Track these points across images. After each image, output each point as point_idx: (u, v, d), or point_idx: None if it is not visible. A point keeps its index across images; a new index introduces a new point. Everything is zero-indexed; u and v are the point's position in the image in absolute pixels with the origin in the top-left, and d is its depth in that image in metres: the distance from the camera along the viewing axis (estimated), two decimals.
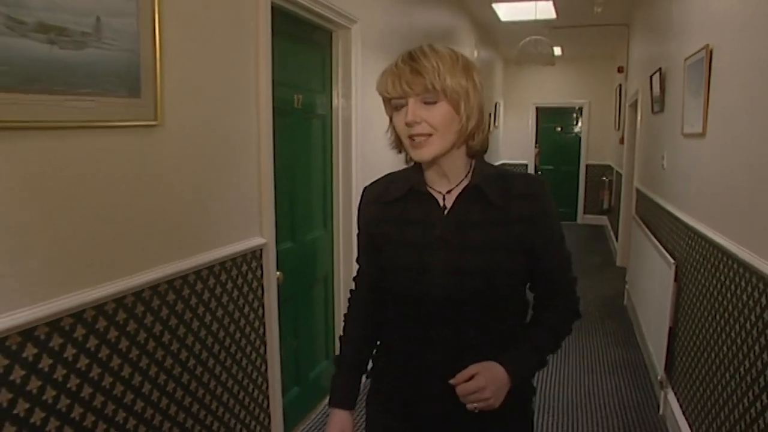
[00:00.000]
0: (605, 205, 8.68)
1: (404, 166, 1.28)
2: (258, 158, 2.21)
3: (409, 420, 1.27)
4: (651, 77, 4.21)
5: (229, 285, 2.07)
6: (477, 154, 1.22)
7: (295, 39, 2.66)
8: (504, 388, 1.15)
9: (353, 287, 1.40)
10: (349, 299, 1.41)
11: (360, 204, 1.32)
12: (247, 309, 2.19)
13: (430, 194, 1.22)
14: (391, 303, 1.27)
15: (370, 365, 1.37)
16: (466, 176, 1.21)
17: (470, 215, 1.20)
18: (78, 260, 1.46)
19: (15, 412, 1.31)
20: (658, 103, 3.97)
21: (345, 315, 1.40)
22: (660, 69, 3.88)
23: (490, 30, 7.49)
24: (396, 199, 1.25)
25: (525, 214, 1.19)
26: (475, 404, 1.12)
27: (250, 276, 2.20)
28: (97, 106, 1.48)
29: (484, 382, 1.11)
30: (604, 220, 9.25)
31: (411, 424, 1.27)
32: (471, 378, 1.12)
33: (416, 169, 1.24)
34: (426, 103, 1.12)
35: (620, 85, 7.56)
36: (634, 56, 6.18)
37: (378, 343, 1.36)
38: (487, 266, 1.17)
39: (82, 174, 1.46)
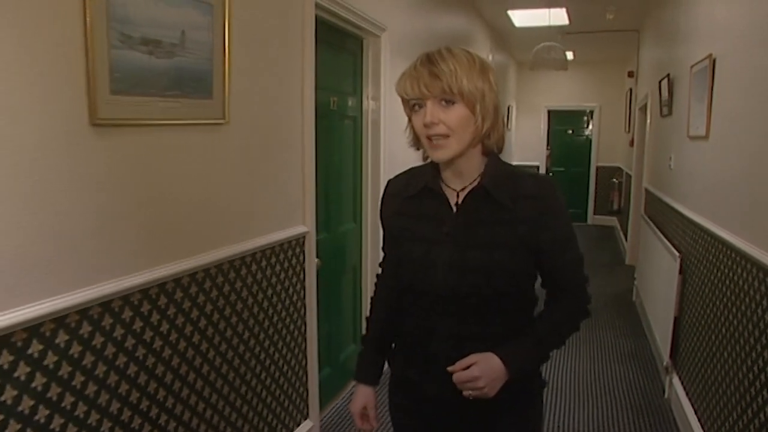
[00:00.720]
0: (615, 206, 8.86)
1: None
2: (302, 154, 2.46)
3: (418, 401, 1.35)
4: (660, 82, 4.43)
5: (277, 268, 2.32)
6: (491, 152, 1.27)
7: (330, 46, 2.91)
8: (499, 380, 1.19)
9: (379, 272, 1.49)
10: (376, 283, 1.49)
11: (383, 195, 1.39)
12: (291, 290, 2.44)
13: (443, 192, 1.27)
14: (404, 292, 1.35)
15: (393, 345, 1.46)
16: (479, 175, 1.26)
17: (478, 214, 1.24)
18: (159, 239, 1.71)
19: (117, 363, 1.57)
20: (667, 107, 4.19)
21: (371, 298, 1.50)
22: (668, 75, 4.10)
23: (504, 35, 7.72)
24: (413, 194, 1.31)
25: (532, 214, 1.22)
26: (470, 392, 1.18)
27: (294, 261, 2.44)
28: (180, 107, 1.73)
29: (478, 372, 1.16)
30: (613, 221, 9.44)
31: (419, 405, 1.36)
32: (468, 367, 1.18)
33: (434, 167, 1.30)
34: (443, 104, 1.16)
35: (630, 89, 7.76)
36: (644, 61, 6.38)
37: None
38: (487, 264, 1.21)
39: (165, 165, 1.71)
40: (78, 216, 1.44)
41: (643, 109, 5.95)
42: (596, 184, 9.98)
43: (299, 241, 2.47)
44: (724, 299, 2.44)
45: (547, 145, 10.23)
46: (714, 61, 2.75)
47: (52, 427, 1.40)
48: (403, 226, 1.32)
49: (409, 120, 1.24)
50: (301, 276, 2.52)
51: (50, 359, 1.38)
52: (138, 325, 1.65)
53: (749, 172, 2.22)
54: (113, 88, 1.48)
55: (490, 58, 7.10)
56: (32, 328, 1.33)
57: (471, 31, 6.00)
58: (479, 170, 1.26)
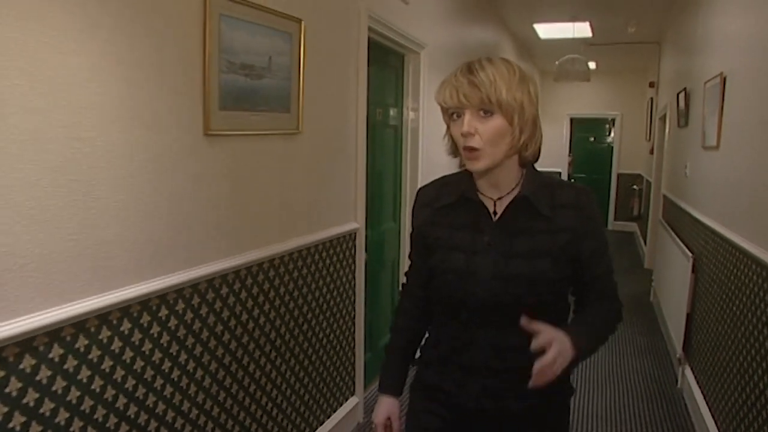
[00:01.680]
0: (635, 212, 9.08)
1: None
2: (355, 159, 2.81)
3: (449, 410, 1.34)
4: (678, 95, 4.70)
5: (334, 259, 2.66)
6: (528, 164, 1.27)
7: (376, 63, 3.25)
8: (567, 360, 1.13)
9: (404, 281, 1.48)
10: (401, 292, 1.49)
11: (414, 205, 1.39)
12: (344, 279, 2.78)
13: (481, 202, 1.27)
14: (439, 302, 1.33)
15: (417, 355, 1.45)
16: (516, 185, 1.26)
17: (518, 223, 1.24)
18: (248, 228, 2.07)
19: (187, 343, 1.92)
20: (683, 118, 4.47)
21: (396, 307, 1.49)
22: (685, 88, 4.38)
23: (529, 46, 8.03)
24: (448, 204, 1.30)
25: (571, 224, 1.23)
26: (541, 378, 1.10)
27: (347, 253, 2.79)
28: (266, 119, 2.08)
29: (556, 352, 1.10)
30: (633, 226, 9.65)
31: (450, 413, 1.34)
32: (545, 350, 1.10)
33: (468, 175, 1.29)
34: (482, 115, 1.17)
35: (651, 99, 8.00)
36: (665, 72, 6.63)
37: (426, 335, 1.43)
38: (531, 273, 1.21)
39: (254, 167, 2.07)
40: (192, 206, 1.79)
41: (663, 119, 6.21)
42: (617, 190, 10.20)
43: (352, 236, 2.82)
44: (732, 296, 2.72)
45: (570, 152, 10.49)
46: (725, 79, 3.04)
47: (182, 362, 1.75)
48: (438, 236, 1.30)
49: (448, 128, 1.25)
50: (353, 267, 2.86)
51: (172, 322, 1.74)
52: (231, 300, 2.00)
53: (753, 179, 2.51)
54: (221, 105, 1.84)
55: None
56: (158, 297, 1.68)
57: (498, 42, 6.32)
58: (516, 180, 1.26)
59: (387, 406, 1.41)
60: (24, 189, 1.29)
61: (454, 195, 1.29)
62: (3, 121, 1.23)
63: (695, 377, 3.37)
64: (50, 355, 1.37)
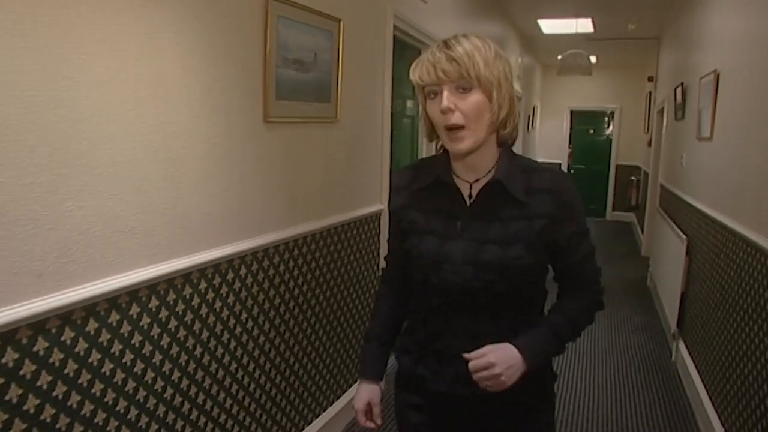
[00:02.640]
0: (633, 202, 9.37)
1: None
2: (381, 145, 3.08)
3: (427, 399, 1.34)
4: (675, 89, 4.98)
5: (363, 236, 2.94)
6: (505, 144, 1.24)
7: (396, 56, 3.51)
8: (516, 369, 1.15)
9: (384, 265, 1.47)
10: (381, 276, 1.48)
11: (390, 189, 1.37)
12: (370, 257, 3.06)
13: (456, 185, 1.24)
14: (414, 288, 1.32)
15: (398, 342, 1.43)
16: (492, 168, 1.23)
17: (492, 208, 1.21)
18: (295, 205, 2.34)
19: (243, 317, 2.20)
20: (680, 112, 4.74)
21: (376, 292, 1.50)
22: (682, 83, 4.66)
23: (532, 41, 8.27)
24: (423, 187, 1.27)
25: (548, 209, 1.20)
26: (486, 382, 1.15)
27: (373, 232, 3.06)
28: (312, 109, 2.35)
29: (494, 359, 1.13)
30: (631, 217, 9.95)
31: (429, 403, 1.34)
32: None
33: (445, 158, 1.26)
34: (460, 91, 1.14)
35: (650, 93, 8.26)
36: (663, 67, 6.90)
37: (405, 322, 1.41)
38: (504, 260, 1.19)
39: (301, 150, 2.34)
40: (254, 183, 2.06)
41: (661, 112, 6.48)
42: (615, 181, 10.49)
43: (377, 216, 3.09)
44: (722, 273, 3.00)
45: (569, 143, 10.77)
46: (718, 75, 3.31)
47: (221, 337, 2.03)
48: (412, 219, 1.29)
49: (424, 109, 1.21)
50: (377, 245, 3.13)
51: (223, 290, 2.02)
52: (281, 268, 2.28)
53: (741, 166, 2.78)
54: (277, 96, 2.10)
55: (519, 60, 7.67)
56: (214, 265, 1.96)
57: (504, 36, 6.57)
58: (493, 162, 1.23)
59: (367, 393, 1.39)
60: (133, 165, 1.55)
61: (429, 178, 1.27)
62: (117, 108, 1.50)
63: (688, 350, 3.67)
64: (149, 305, 1.65)
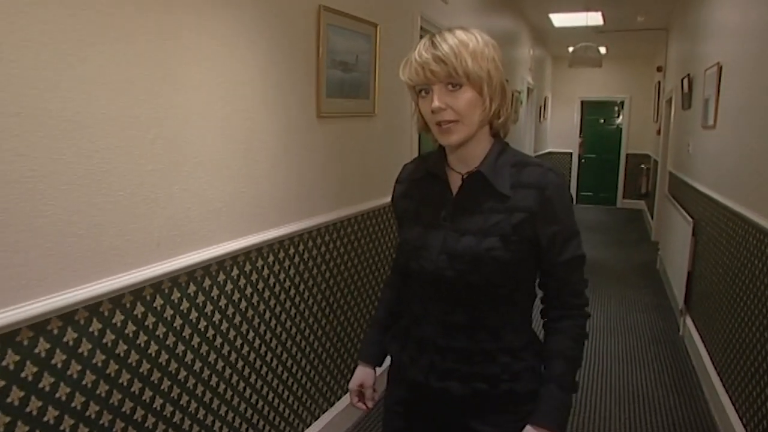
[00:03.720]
0: (643, 190, 9.58)
1: None
2: (411, 138, 3.38)
3: (407, 387, 1.36)
4: (682, 80, 5.22)
5: (391, 221, 3.23)
6: (497, 137, 1.25)
7: None
8: None
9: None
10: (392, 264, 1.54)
11: (395, 181, 1.40)
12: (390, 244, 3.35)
13: (444, 177, 1.27)
14: (403, 275, 1.36)
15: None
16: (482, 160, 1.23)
17: (476, 200, 1.22)
18: (342, 190, 2.64)
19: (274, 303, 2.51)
20: (687, 101, 4.99)
21: (385, 279, 1.58)
22: (688, 74, 4.90)
23: (543, 33, 8.51)
24: (419, 178, 1.32)
25: (529, 204, 1.18)
26: None
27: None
28: (354, 104, 2.65)
29: None
30: (642, 204, 10.18)
31: (408, 392, 1.36)
32: None
33: (441, 150, 1.28)
34: (450, 88, 1.14)
35: (659, 82, 8.48)
36: (672, 57, 7.11)
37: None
38: (477, 251, 1.19)
39: (346, 141, 2.64)
40: (309, 170, 2.37)
41: (669, 101, 6.71)
42: (626, 170, 10.73)
43: None
44: (725, 251, 3.26)
45: (580, 133, 11.00)
46: (721, 68, 3.57)
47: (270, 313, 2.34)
48: (406, 208, 1.33)
49: (416, 106, 1.22)
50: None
51: (295, 260, 2.32)
52: (328, 248, 2.58)
53: (742, 152, 3.05)
54: (327, 94, 2.40)
55: (531, 52, 7.92)
56: (289, 239, 2.26)
57: (516, 30, 6.83)
58: (484, 155, 1.23)
59: (361, 374, 1.43)
60: (221, 155, 1.86)
61: (424, 170, 1.31)
62: (209, 107, 1.80)
63: (695, 325, 3.94)
64: (232, 273, 1.96)
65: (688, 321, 4.10)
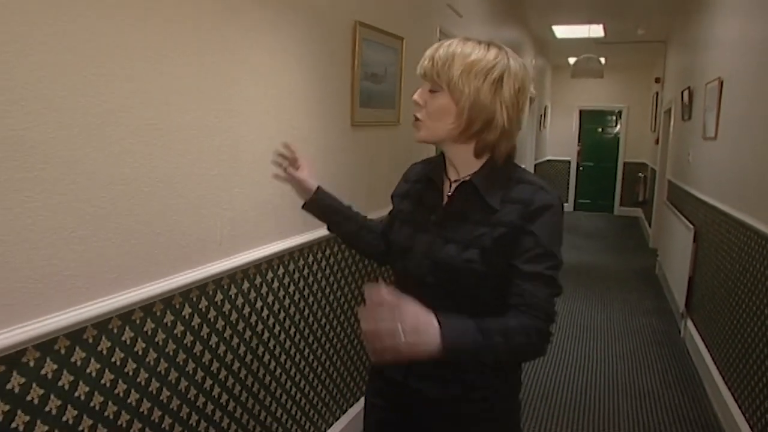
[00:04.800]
0: (640, 198, 9.78)
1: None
2: (432, 146, 3.52)
3: (387, 386, 1.37)
4: (682, 92, 5.41)
5: None
6: (482, 155, 1.22)
7: None
8: (425, 336, 1.00)
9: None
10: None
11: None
12: None
13: (439, 183, 1.29)
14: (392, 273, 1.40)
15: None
16: (475, 172, 1.23)
17: (466, 210, 1.22)
18: (371, 192, 2.79)
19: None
20: (687, 113, 5.18)
21: None
22: (689, 87, 5.09)
23: (545, 44, 8.71)
24: (419, 180, 1.36)
25: (512, 218, 1.16)
26: (370, 327, 1.00)
27: None
28: (382, 114, 2.80)
29: (406, 316, 1.00)
30: (638, 212, 10.38)
31: (389, 390, 1.37)
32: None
33: (442, 156, 1.30)
34: (431, 90, 1.19)
35: (657, 93, 8.69)
36: (670, 69, 7.32)
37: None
38: (456, 261, 1.19)
39: (375, 147, 2.79)
40: (344, 175, 2.51)
41: (668, 112, 6.91)
42: (623, 178, 10.93)
43: None
44: (727, 257, 3.43)
45: (578, 141, 11.21)
46: (722, 82, 3.75)
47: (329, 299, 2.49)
48: (401, 208, 1.37)
49: None
50: None
51: (325, 263, 2.46)
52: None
53: (743, 162, 3.22)
54: (360, 104, 2.55)
55: (533, 62, 8.11)
56: (318, 243, 2.40)
57: (520, 40, 7.01)
58: (476, 167, 1.23)
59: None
60: (270, 161, 2.00)
61: (425, 174, 1.34)
62: (263, 116, 1.94)
63: (695, 326, 4.11)
64: (278, 272, 2.10)
65: (689, 324, 4.27)
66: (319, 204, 1.51)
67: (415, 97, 1.21)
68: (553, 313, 1.16)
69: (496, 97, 1.16)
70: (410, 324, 1.00)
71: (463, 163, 1.24)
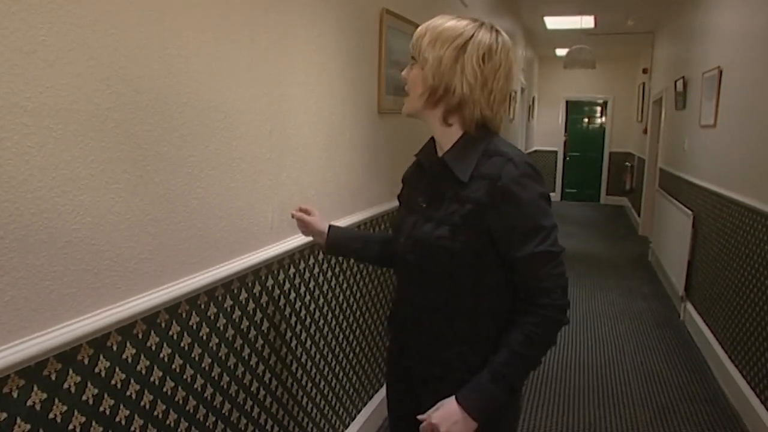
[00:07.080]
0: (627, 187, 9.95)
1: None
2: None
3: (391, 366, 1.49)
4: (676, 82, 5.52)
5: None
6: (483, 127, 1.22)
7: None
8: (461, 422, 1.16)
9: None
10: None
11: None
12: None
13: (424, 164, 1.33)
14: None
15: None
16: (450, 147, 1.24)
17: (441, 188, 1.24)
18: (395, 179, 2.81)
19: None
20: (681, 102, 5.29)
21: None
22: (683, 77, 5.20)
23: (534, 35, 8.79)
24: (415, 163, 1.41)
25: (479, 195, 1.16)
26: None
27: None
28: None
29: (436, 420, 1.16)
30: (624, 200, 10.58)
31: (395, 371, 1.47)
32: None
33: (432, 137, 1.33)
34: (411, 63, 1.25)
35: (643, 84, 8.84)
36: (659, 60, 7.45)
37: None
38: (429, 239, 1.21)
39: (398, 134, 2.81)
40: (372, 162, 2.54)
41: (658, 102, 7.03)
42: (609, 167, 11.11)
43: None
44: (728, 239, 3.54)
45: (565, 131, 11.35)
46: (721, 71, 3.84)
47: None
48: (402, 193, 1.42)
49: None
50: None
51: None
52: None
53: (742, 148, 3.32)
54: (386, 92, 2.57)
55: (524, 53, 8.19)
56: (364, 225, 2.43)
57: (512, 31, 7.08)
58: (452, 143, 1.23)
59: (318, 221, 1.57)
60: (314, 147, 2.02)
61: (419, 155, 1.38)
62: (307, 103, 1.96)
63: (696, 309, 4.23)
64: (319, 257, 2.12)
65: (689, 306, 4.38)
66: (335, 236, 1.56)
67: (403, 72, 1.26)
68: (557, 288, 1.18)
69: (457, 64, 1.18)
70: (449, 425, 1.15)
71: (442, 137, 1.26)
